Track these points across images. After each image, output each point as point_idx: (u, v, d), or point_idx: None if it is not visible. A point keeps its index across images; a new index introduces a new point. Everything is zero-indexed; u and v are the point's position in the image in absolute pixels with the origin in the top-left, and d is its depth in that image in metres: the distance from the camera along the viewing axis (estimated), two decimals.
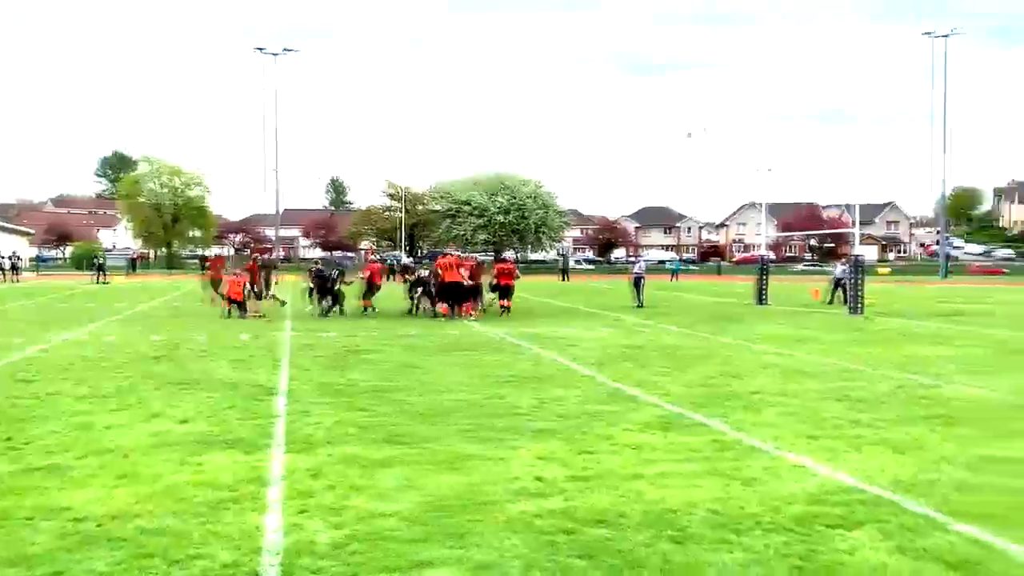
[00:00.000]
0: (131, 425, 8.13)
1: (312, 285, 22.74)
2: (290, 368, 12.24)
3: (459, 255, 23.22)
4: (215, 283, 25.20)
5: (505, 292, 23.18)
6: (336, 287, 22.22)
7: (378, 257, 30.40)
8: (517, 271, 24.44)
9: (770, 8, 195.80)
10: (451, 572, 4.52)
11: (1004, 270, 75.71)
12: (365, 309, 22.43)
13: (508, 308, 22.90)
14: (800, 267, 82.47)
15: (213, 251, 78.94)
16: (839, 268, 30.41)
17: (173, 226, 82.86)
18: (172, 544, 4.87)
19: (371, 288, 23.17)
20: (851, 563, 4.69)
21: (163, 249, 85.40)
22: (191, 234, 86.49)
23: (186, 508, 5.54)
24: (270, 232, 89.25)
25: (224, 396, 9.77)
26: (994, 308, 27.65)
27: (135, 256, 74.43)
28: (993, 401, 9.94)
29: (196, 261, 73.44)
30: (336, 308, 22.14)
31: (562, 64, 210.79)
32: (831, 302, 28.64)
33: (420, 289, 22.55)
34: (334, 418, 8.50)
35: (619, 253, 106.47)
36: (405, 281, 25.04)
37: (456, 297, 21.18)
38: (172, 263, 79.05)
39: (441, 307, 21.25)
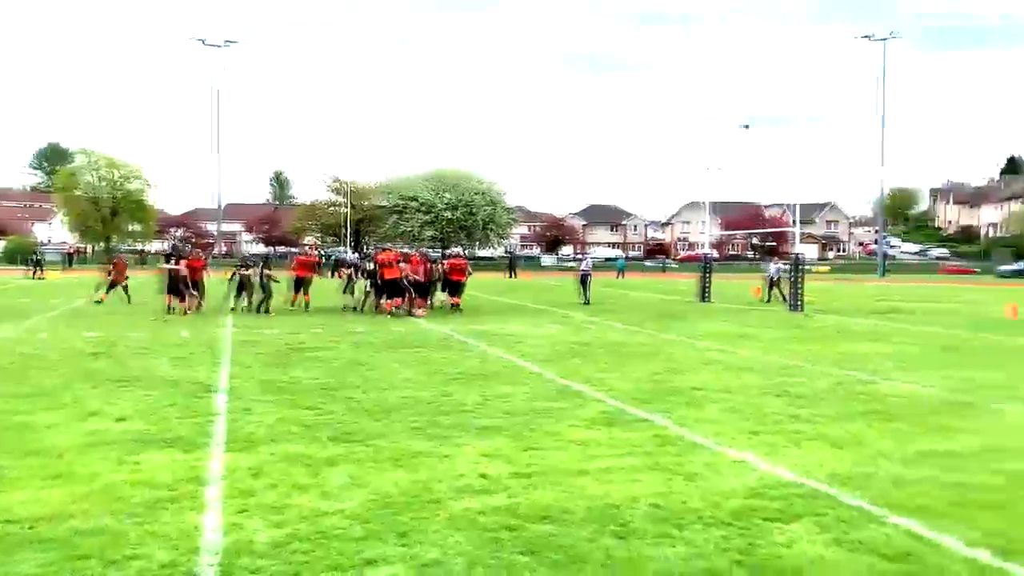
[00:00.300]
0: (67, 424, 7.92)
1: (235, 278, 22.24)
2: (231, 365, 12.04)
3: (404, 251, 23.00)
4: (113, 285, 24.51)
5: (455, 288, 23.04)
6: (264, 281, 21.72)
7: (319, 252, 29.92)
8: (469, 267, 24.28)
9: (712, 9, 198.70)
10: (395, 570, 4.49)
11: (976, 270, 77.54)
12: (293, 304, 22.15)
13: (458, 305, 22.78)
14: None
15: (150, 247, 77.40)
16: (773, 267, 31.23)
17: (111, 220, 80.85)
18: (108, 544, 4.76)
19: (298, 283, 22.80)
20: (788, 555, 4.78)
21: (101, 244, 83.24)
22: (130, 228, 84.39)
23: (123, 508, 5.41)
24: (212, 227, 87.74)
25: (163, 394, 9.57)
26: (958, 307, 28.43)
27: (71, 251, 72.32)
28: (927, 397, 10.21)
29: (135, 255, 71.60)
30: (248, 303, 21.54)
31: (509, 62, 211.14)
32: (768, 300, 29.32)
33: (369, 281, 22.28)
34: (276, 416, 8.39)
35: (567, 250, 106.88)
36: (341, 277, 24.70)
37: (395, 293, 20.96)
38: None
39: (386, 303, 21.02)
